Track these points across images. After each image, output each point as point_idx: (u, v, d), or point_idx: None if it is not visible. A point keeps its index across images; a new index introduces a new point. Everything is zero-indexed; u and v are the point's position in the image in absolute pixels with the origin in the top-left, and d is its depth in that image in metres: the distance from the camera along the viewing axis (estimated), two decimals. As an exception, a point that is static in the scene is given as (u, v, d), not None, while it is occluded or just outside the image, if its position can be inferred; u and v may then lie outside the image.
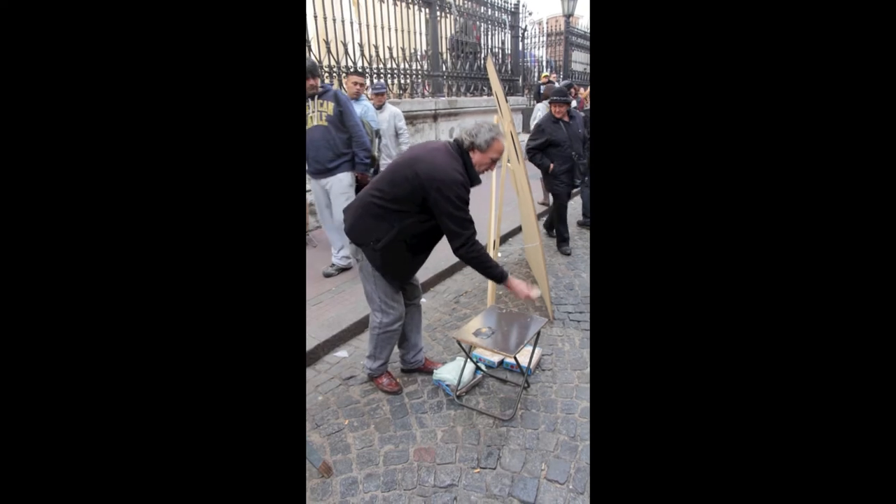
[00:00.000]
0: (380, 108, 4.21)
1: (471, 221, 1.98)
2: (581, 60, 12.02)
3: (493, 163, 2.07)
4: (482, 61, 7.88)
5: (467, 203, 1.96)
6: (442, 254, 4.01)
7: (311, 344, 2.62)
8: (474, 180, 2.03)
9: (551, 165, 3.85)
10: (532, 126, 5.90)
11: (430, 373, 2.43)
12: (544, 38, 10.79)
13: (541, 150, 3.92)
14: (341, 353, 2.70)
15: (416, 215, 1.97)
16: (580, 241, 4.55)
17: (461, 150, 2.01)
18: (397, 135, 4.30)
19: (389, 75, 6.12)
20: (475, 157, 2.01)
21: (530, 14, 9.75)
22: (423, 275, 3.53)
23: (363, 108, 3.67)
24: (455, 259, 3.88)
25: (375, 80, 5.64)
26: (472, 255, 2.00)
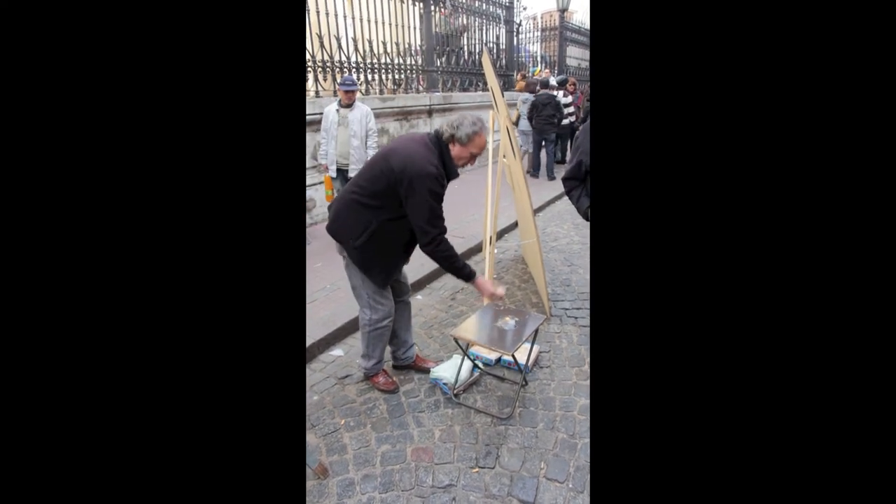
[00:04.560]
0: (349, 106, 3.87)
1: (440, 218, 1.93)
2: (575, 55, 12.00)
3: (472, 158, 2.01)
4: (477, 56, 7.83)
5: (440, 198, 1.91)
6: (438, 250, 4.00)
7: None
8: (451, 174, 1.97)
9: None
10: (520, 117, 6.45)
11: (423, 370, 2.40)
12: (539, 34, 10.75)
13: (582, 182, 2.32)
14: (336, 351, 2.67)
15: (395, 210, 1.94)
16: (576, 236, 4.54)
17: (439, 142, 1.96)
18: (368, 136, 3.93)
19: (383, 70, 6.07)
20: (454, 150, 1.95)
21: (525, 9, 9.72)
22: (418, 272, 3.51)
23: None
24: (451, 256, 3.87)
25: (340, 75, 5.09)
26: (439, 253, 1.96)
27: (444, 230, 1.95)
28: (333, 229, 2.07)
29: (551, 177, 6.89)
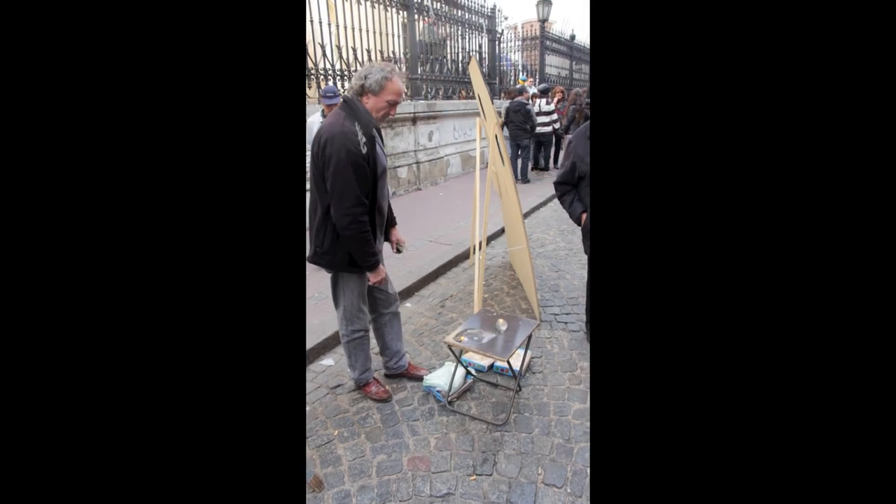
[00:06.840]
0: None
1: (358, 190, 1.79)
2: (555, 64, 12.21)
3: (391, 106, 1.87)
4: (461, 64, 7.89)
5: (355, 158, 1.78)
6: (426, 258, 3.98)
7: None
8: (366, 126, 1.82)
9: (584, 215, 2.49)
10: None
11: (416, 378, 2.39)
12: (520, 43, 10.90)
13: (574, 187, 2.53)
14: (327, 360, 2.63)
15: None
16: (562, 242, 4.58)
17: (346, 101, 1.86)
18: None
19: (367, 78, 6.05)
20: (369, 102, 1.84)
21: (506, 18, 9.84)
22: (407, 279, 3.49)
23: None
24: (439, 263, 3.86)
25: (324, 83, 4.93)
26: (354, 230, 1.83)
27: (357, 204, 1.80)
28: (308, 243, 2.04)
29: (524, 180, 7.27)
